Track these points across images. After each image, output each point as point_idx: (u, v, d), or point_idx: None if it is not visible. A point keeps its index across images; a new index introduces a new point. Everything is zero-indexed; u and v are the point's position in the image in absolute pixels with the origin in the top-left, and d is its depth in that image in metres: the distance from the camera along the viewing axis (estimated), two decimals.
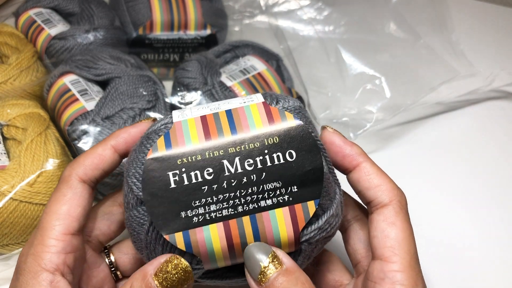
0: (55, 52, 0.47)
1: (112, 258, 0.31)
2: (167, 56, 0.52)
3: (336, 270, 0.31)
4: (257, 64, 0.47)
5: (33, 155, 0.37)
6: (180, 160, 0.25)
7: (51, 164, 0.38)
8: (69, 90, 0.42)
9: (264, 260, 0.24)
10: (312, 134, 0.26)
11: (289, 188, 0.25)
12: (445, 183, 0.47)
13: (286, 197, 0.25)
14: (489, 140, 0.52)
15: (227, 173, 0.25)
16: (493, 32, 0.65)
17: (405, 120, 0.52)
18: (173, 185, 0.25)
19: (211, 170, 0.25)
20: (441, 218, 0.44)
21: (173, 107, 0.44)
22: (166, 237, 0.24)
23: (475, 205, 0.45)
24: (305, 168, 0.25)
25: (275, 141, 0.26)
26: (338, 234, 0.33)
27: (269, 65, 0.47)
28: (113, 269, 0.31)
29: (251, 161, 0.25)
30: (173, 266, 0.24)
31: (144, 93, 0.42)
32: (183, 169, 0.25)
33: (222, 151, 0.25)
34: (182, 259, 0.25)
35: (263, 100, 0.27)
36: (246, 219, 0.25)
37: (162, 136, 0.26)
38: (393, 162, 0.49)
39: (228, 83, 0.44)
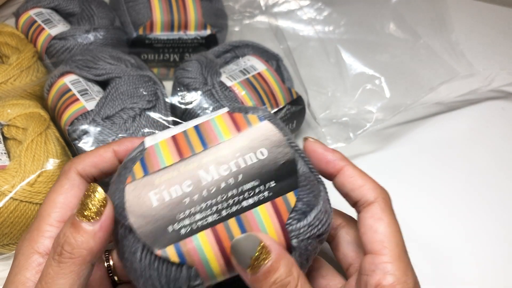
0: (55, 52, 0.47)
1: (111, 262, 0.31)
2: (167, 56, 0.52)
3: (329, 275, 0.31)
4: (257, 64, 0.47)
5: (33, 155, 0.37)
6: (158, 179, 0.26)
7: (51, 164, 0.38)
8: (70, 90, 0.42)
9: (252, 252, 0.24)
10: (277, 128, 0.27)
11: (267, 184, 0.26)
12: (445, 183, 0.47)
13: (266, 193, 0.26)
14: (489, 140, 0.52)
15: (204, 182, 0.26)
16: (493, 32, 0.65)
17: (405, 120, 0.52)
18: (156, 204, 0.25)
19: (189, 182, 0.26)
20: (441, 217, 0.44)
21: (173, 107, 0.44)
22: (159, 252, 0.25)
23: (475, 205, 0.45)
24: (278, 163, 0.26)
25: (244, 143, 0.27)
26: (326, 245, 0.34)
27: (269, 65, 0.47)
28: (110, 273, 0.31)
29: (226, 166, 0.26)
30: (89, 195, 0.25)
31: (144, 93, 0.42)
32: (163, 187, 0.26)
33: (196, 163, 0.26)
34: (96, 185, 0.25)
35: (227, 110, 0.28)
36: (232, 222, 0.25)
37: (138, 162, 0.27)
38: (393, 162, 0.49)
39: (228, 83, 0.44)
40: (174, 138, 0.28)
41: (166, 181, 0.26)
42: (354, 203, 0.29)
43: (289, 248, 0.27)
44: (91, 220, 0.24)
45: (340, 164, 0.29)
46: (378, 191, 0.29)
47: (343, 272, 0.32)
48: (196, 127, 0.28)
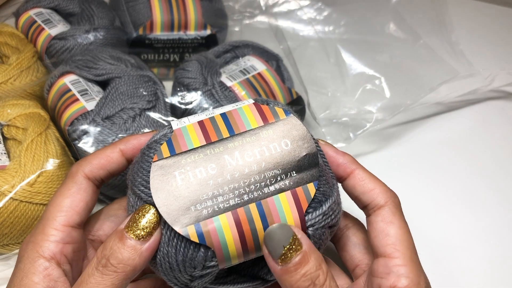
0: (55, 52, 0.47)
1: None
2: (167, 56, 0.52)
3: (336, 275, 0.32)
4: (257, 64, 0.47)
5: (33, 155, 0.37)
6: (184, 160, 0.27)
7: (51, 164, 0.38)
8: (70, 90, 0.42)
9: (286, 242, 0.25)
10: (302, 123, 0.28)
11: (289, 173, 0.27)
12: (444, 183, 0.47)
13: (287, 182, 0.27)
14: (489, 140, 0.52)
15: (229, 166, 0.27)
16: (493, 32, 0.65)
17: (405, 120, 0.52)
18: (180, 183, 0.26)
19: (214, 165, 0.27)
20: (440, 217, 0.44)
21: (173, 107, 0.44)
22: (180, 231, 0.25)
23: (475, 205, 0.45)
24: (301, 154, 0.27)
25: (270, 133, 0.28)
26: (331, 245, 0.34)
27: (269, 65, 0.47)
28: None
29: (250, 153, 0.27)
30: (142, 215, 0.26)
31: (144, 93, 0.42)
32: (188, 168, 0.26)
33: (222, 147, 0.27)
34: (150, 206, 0.26)
35: (254, 102, 0.29)
36: (252, 206, 0.26)
37: (165, 142, 0.27)
38: (392, 162, 0.49)
39: (228, 83, 0.44)
40: (201, 123, 0.28)
41: (192, 162, 0.27)
42: (364, 206, 0.30)
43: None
44: (140, 239, 0.25)
45: (351, 167, 0.30)
46: (388, 194, 0.29)
47: (348, 272, 0.32)
48: (223, 115, 0.29)
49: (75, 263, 0.28)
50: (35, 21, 0.49)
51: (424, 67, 0.53)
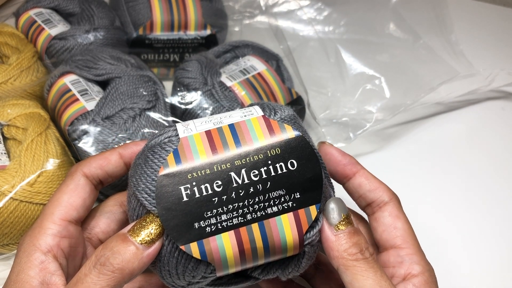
0: (55, 52, 0.47)
1: None
2: (167, 56, 0.52)
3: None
4: (257, 64, 0.47)
5: (33, 155, 0.37)
6: (190, 174, 0.26)
7: (51, 164, 0.38)
8: (70, 90, 0.42)
9: (344, 212, 0.27)
10: (310, 143, 0.28)
11: (292, 195, 0.27)
12: (444, 183, 0.47)
13: (290, 203, 0.27)
14: (489, 140, 0.52)
15: (235, 184, 0.26)
16: (493, 32, 0.65)
17: (405, 120, 0.52)
18: (185, 199, 0.26)
19: (220, 183, 0.26)
20: (441, 217, 0.44)
21: (173, 107, 0.44)
22: (182, 247, 0.25)
23: (475, 204, 0.45)
24: (306, 176, 0.27)
25: (277, 152, 0.27)
26: None
27: (269, 65, 0.47)
28: None
29: (257, 172, 0.27)
30: (146, 226, 0.26)
31: (144, 93, 0.42)
32: (194, 183, 0.26)
33: (229, 164, 0.27)
34: (154, 217, 0.26)
35: (263, 114, 0.29)
36: (255, 226, 0.26)
37: (171, 153, 0.27)
38: (392, 162, 0.49)
39: (228, 83, 0.44)
40: (208, 133, 0.28)
41: (198, 178, 0.26)
42: (368, 204, 0.31)
43: (301, 254, 0.28)
44: (143, 244, 0.25)
45: (356, 167, 0.31)
46: (391, 192, 0.31)
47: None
48: (231, 126, 0.28)
49: (71, 258, 0.28)
50: (35, 21, 0.49)
51: (424, 67, 0.53)
